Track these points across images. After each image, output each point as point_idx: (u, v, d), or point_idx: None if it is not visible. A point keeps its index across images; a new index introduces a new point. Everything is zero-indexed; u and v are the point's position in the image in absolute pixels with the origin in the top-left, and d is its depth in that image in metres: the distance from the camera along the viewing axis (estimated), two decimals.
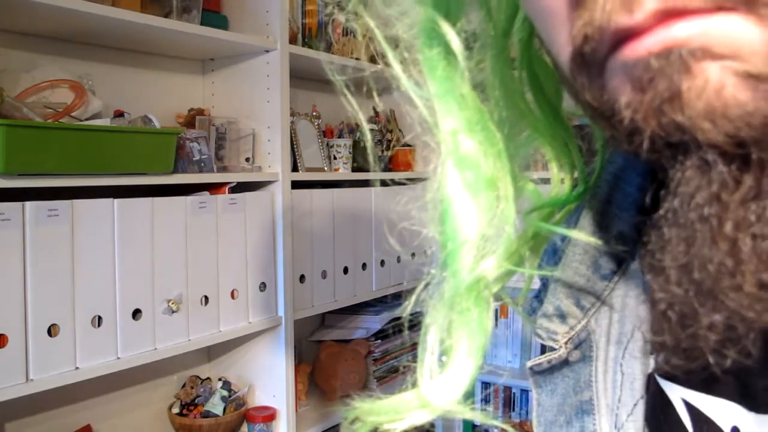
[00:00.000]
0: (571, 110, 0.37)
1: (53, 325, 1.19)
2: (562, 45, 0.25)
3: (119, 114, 1.43)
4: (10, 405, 1.17)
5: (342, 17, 0.35)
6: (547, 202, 0.38)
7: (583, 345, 0.37)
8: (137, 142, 1.33)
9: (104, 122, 1.37)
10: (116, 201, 1.30)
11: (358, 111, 0.36)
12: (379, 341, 2.15)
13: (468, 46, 0.33)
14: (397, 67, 0.33)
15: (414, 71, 0.33)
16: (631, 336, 0.34)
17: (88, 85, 1.41)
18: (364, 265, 1.99)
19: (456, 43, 0.32)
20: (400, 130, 2.37)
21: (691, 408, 0.31)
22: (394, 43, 0.33)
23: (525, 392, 2.33)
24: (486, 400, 2.41)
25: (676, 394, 0.31)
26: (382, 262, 2.07)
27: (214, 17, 1.62)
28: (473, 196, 0.33)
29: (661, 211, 0.25)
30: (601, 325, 0.36)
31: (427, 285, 0.35)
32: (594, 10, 0.22)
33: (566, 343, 0.37)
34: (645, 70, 0.22)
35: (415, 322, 0.37)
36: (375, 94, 0.38)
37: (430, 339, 0.35)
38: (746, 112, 0.20)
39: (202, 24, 1.53)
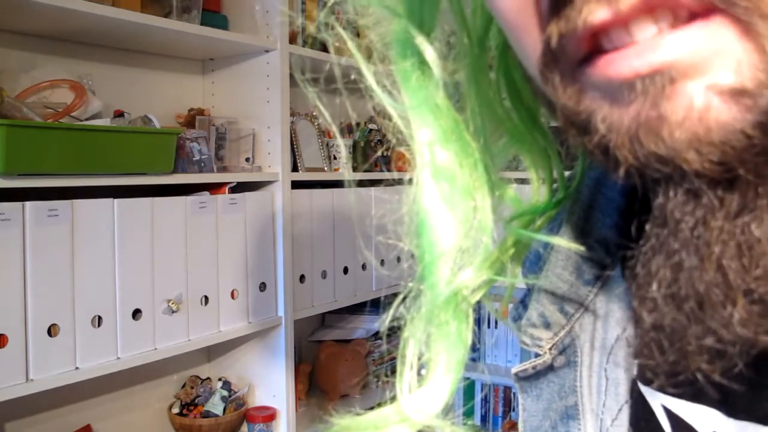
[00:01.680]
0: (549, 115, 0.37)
1: (53, 325, 1.19)
2: (532, 47, 0.25)
3: (119, 114, 1.43)
4: (10, 405, 1.17)
5: (312, 28, 0.35)
6: (527, 209, 0.37)
7: (567, 350, 0.36)
8: (137, 142, 1.33)
9: (104, 122, 1.37)
10: (116, 201, 1.30)
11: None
12: (379, 341, 2.15)
13: (442, 56, 0.32)
14: (370, 79, 0.32)
15: (388, 82, 0.33)
16: (615, 341, 0.34)
17: (88, 85, 1.41)
18: (364, 266, 1.99)
19: (430, 54, 0.31)
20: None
21: (671, 414, 0.30)
22: (368, 53, 0.33)
23: None
24: (486, 400, 2.41)
25: (657, 401, 0.31)
26: (382, 262, 2.07)
27: (214, 17, 1.62)
28: (449, 207, 0.32)
29: (647, 243, 0.24)
30: (586, 330, 0.36)
31: (404, 298, 0.35)
32: (571, 10, 0.22)
33: (551, 348, 0.37)
34: (628, 91, 0.21)
35: (398, 331, 0.36)
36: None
37: (409, 353, 0.34)
38: (729, 133, 0.20)
39: (202, 24, 1.53)
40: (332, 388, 2.01)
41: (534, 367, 0.38)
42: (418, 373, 0.34)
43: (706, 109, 0.20)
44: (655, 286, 0.24)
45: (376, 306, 2.13)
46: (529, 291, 0.40)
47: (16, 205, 1.14)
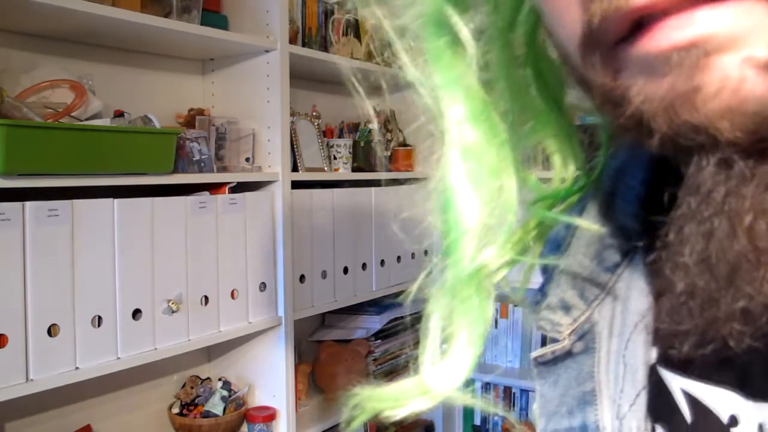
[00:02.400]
0: (575, 103, 0.38)
1: (53, 325, 1.19)
2: (572, 26, 0.25)
3: (119, 114, 1.43)
4: (10, 405, 1.17)
5: (350, 4, 0.36)
6: (549, 193, 0.38)
7: (586, 336, 0.37)
8: (137, 142, 1.33)
9: (104, 122, 1.37)
10: (116, 201, 1.30)
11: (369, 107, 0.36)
12: (379, 341, 2.15)
13: (475, 38, 0.33)
14: (404, 57, 0.33)
15: (420, 61, 0.33)
16: (634, 328, 0.35)
17: (88, 85, 1.41)
18: (364, 265, 1.99)
19: (465, 33, 0.32)
20: (400, 130, 2.37)
21: (690, 398, 0.31)
22: (401, 32, 0.33)
23: (525, 392, 2.33)
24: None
25: (676, 384, 0.32)
26: (382, 262, 2.07)
27: (214, 17, 1.62)
28: (476, 186, 0.33)
29: (678, 210, 0.25)
30: (605, 316, 0.36)
31: (429, 273, 0.36)
32: None
33: (570, 334, 0.37)
34: (663, 63, 0.22)
35: (416, 321, 0.37)
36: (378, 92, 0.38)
37: (432, 326, 0.35)
38: (763, 104, 0.20)
39: (202, 24, 1.53)
40: (332, 388, 2.01)
41: (553, 352, 0.38)
42: (440, 347, 0.35)
43: (740, 82, 0.20)
44: (687, 252, 0.24)
45: (376, 306, 2.13)
46: (548, 278, 0.41)
47: (16, 205, 1.14)
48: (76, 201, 1.23)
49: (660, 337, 0.32)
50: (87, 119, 1.36)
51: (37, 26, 1.38)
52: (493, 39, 0.34)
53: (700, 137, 0.22)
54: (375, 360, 2.14)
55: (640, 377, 0.34)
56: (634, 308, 0.35)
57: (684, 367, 0.31)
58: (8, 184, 1.13)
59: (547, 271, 0.41)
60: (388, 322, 2.15)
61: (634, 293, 0.35)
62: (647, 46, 0.22)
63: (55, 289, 1.20)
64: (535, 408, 0.40)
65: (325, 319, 2.17)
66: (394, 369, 2.23)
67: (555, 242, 0.41)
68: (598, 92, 0.25)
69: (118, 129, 1.32)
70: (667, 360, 0.33)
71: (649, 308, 0.34)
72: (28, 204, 1.16)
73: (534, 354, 0.40)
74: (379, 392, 0.38)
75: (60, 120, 1.29)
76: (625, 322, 0.35)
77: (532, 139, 0.37)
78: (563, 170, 0.38)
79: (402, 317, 2.23)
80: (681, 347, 0.26)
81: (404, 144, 2.36)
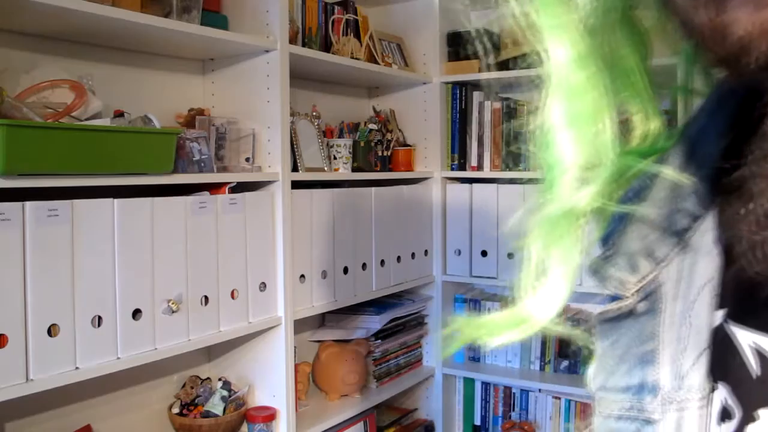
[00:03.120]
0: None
1: (53, 325, 1.19)
2: None
3: (119, 114, 1.43)
4: (10, 405, 1.17)
5: None
6: (635, 148, 0.40)
7: (651, 297, 0.38)
8: (137, 142, 1.33)
9: (104, 122, 1.37)
10: (116, 201, 1.30)
11: None
12: (379, 341, 2.15)
13: None
14: (512, 2, 0.35)
15: (529, 6, 0.36)
16: (701, 289, 0.36)
17: (88, 85, 1.41)
18: (364, 265, 1.99)
19: None
20: (400, 130, 2.37)
21: (758, 353, 0.32)
22: None
23: (525, 392, 2.33)
24: (486, 400, 2.41)
25: (744, 339, 0.33)
26: (382, 262, 2.07)
27: (214, 17, 1.62)
28: (577, 127, 0.35)
29: (757, 163, 0.27)
30: (671, 278, 0.37)
31: (529, 208, 0.38)
32: None
33: (636, 292, 0.38)
34: None
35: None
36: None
37: (530, 259, 0.38)
38: None
39: (202, 24, 1.53)
40: (332, 388, 2.01)
41: (618, 308, 0.39)
42: (537, 280, 0.38)
43: None
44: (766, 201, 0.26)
45: (376, 306, 2.13)
46: (616, 237, 0.42)
47: (16, 205, 1.14)
48: (76, 201, 1.23)
49: (733, 290, 0.34)
50: (87, 119, 1.36)
51: (37, 26, 1.38)
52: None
53: None
54: (375, 360, 2.14)
55: (704, 338, 0.35)
56: (701, 271, 0.36)
57: (755, 321, 0.32)
58: (8, 184, 1.13)
59: (615, 231, 0.42)
60: (388, 322, 2.15)
61: (702, 256, 0.36)
62: None
63: (55, 289, 1.20)
64: (592, 369, 0.41)
65: (325, 319, 2.17)
66: (394, 369, 2.23)
67: (634, 192, 0.43)
68: (702, 29, 0.27)
69: (118, 129, 1.32)
70: (737, 315, 0.34)
71: (716, 271, 0.35)
72: (28, 204, 1.16)
73: (599, 310, 0.41)
74: (476, 321, 0.40)
75: (60, 120, 1.29)
76: (692, 283, 0.36)
77: (620, 96, 0.39)
78: (645, 128, 0.40)
79: (402, 317, 2.23)
80: (757, 297, 0.27)
81: (404, 144, 2.36)
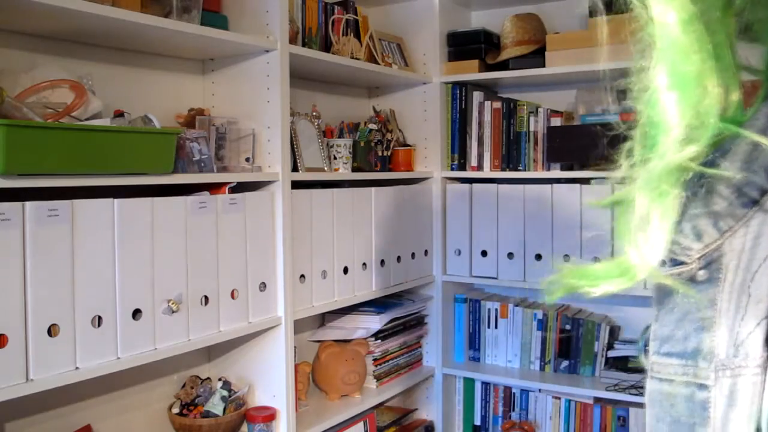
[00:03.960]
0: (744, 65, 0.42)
1: (53, 325, 1.19)
2: None
3: (119, 114, 1.43)
4: (10, 405, 1.17)
5: None
6: (722, 117, 0.41)
7: (711, 266, 0.39)
8: (137, 142, 1.33)
9: (104, 122, 1.37)
10: (116, 201, 1.30)
11: None
12: (379, 341, 2.15)
13: None
14: None
15: None
16: (763, 261, 0.37)
17: (88, 85, 1.41)
18: (364, 265, 1.99)
19: None
20: (400, 130, 2.37)
21: None
22: None
23: (525, 392, 2.33)
24: (486, 400, 2.41)
25: None
26: (382, 262, 2.07)
27: (214, 17, 1.62)
28: (683, 87, 0.37)
29: None
30: (734, 249, 0.39)
31: (633, 163, 0.40)
32: None
33: (699, 258, 0.40)
34: None
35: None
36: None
37: (636, 212, 0.39)
38: None
39: (202, 24, 1.53)
40: (332, 388, 2.01)
41: (680, 274, 0.40)
42: (641, 231, 0.40)
43: None
44: None
45: (376, 306, 2.13)
46: (683, 209, 0.43)
47: (16, 205, 1.14)
48: (76, 201, 1.23)
49: None
50: (87, 119, 1.36)
51: (37, 26, 1.38)
52: None
53: None
54: (375, 360, 2.14)
55: (762, 308, 0.36)
56: (765, 244, 0.37)
57: None
58: (8, 184, 1.13)
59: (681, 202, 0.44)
60: (388, 322, 2.15)
61: (766, 230, 0.37)
62: None
63: (55, 289, 1.20)
64: (652, 333, 0.43)
65: (325, 319, 2.17)
66: (394, 369, 2.23)
67: (710, 161, 0.44)
68: None
69: (118, 129, 1.32)
70: None
71: None
72: (28, 204, 1.16)
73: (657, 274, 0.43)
74: (578, 270, 0.41)
75: (60, 120, 1.29)
76: (754, 256, 0.38)
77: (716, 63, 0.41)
78: (726, 101, 0.41)
79: (402, 317, 2.23)
80: None
81: (404, 144, 2.36)
